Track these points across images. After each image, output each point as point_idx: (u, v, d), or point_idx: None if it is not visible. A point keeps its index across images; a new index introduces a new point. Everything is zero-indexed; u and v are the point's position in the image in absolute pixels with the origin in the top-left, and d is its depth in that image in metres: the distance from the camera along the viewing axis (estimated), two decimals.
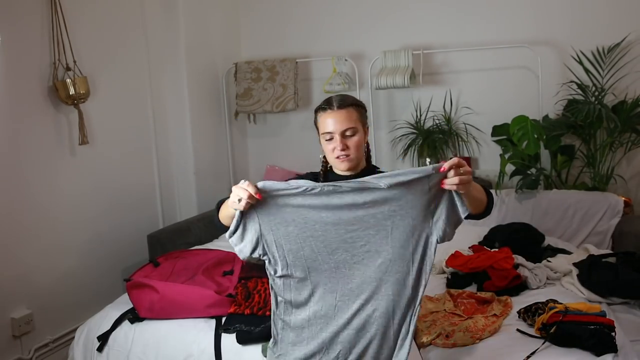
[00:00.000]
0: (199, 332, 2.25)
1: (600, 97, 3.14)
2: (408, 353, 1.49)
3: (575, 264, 2.51)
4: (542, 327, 2.01)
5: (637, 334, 2.06)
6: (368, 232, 1.47)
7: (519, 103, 3.34)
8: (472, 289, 2.53)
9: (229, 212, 1.54)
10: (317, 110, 1.69)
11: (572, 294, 2.38)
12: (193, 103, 3.65)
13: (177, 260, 2.72)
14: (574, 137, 3.30)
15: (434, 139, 3.56)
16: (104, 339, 2.35)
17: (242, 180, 1.48)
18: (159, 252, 3.01)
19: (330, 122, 1.63)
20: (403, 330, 1.50)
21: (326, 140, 1.65)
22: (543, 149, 3.24)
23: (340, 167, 1.68)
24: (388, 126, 3.80)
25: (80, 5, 2.95)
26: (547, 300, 2.20)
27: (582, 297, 2.33)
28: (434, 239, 1.47)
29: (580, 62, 3.21)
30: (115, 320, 2.38)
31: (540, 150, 3.16)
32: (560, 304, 2.08)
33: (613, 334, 1.94)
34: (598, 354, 1.86)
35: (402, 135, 3.71)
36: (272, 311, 1.57)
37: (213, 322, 2.28)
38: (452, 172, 1.40)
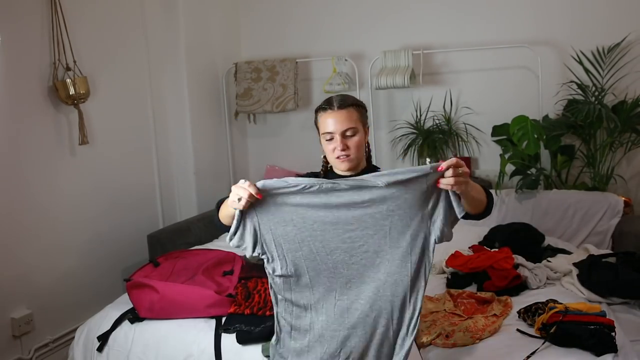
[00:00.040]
0: (199, 332, 2.25)
1: (600, 97, 3.14)
2: (408, 353, 1.49)
3: (575, 264, 2.51)
4: (542, 327, 2.01)
5: (637, 334, 2.06)
6: (366, 232, 1.47)
7: (519, 103, 3.34)
8: (472, 289, 2.53)
9: (228, 211, 1.54)
10: (317, 110, 1.69)
11: (572, 294, 2.38)
12: (193, 103, 3.65)
13: (177, 260, 2.72)
14: (574, 137, 3.30)
15: (434, 139, 3.56)
16: (104, 339, 2.35)
17: (242, 180, 1.48)
18: (159, 252, 3.01)
19: (331, 122, 1.63)
20: (403, 330, 1.50)
21: (326, 140, 1.65)
22: (543, 149, 3.24)
23: (340, 167, 1.68)
24: (388, 126, 3.80)
25: (80, 5, 2.95)
26: (547, 300, 2.20)
27: (582, 297, 2.33)
28: (432, 239, 1.47)
29: (580, 62, 3.21)
30: (115, 320, 2.38)
31: (540, 150, 3.16)
32: (560, 304, 2.08)
33: (613, 334, 1.93)
34: (598, 354, 1.86)
35: (402, 135, 3.71)
36: (273, 309, 1.58)
37: (213, 322, 2.28)
38: (449, 172, 1.40)
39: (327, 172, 1.76)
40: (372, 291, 1.49)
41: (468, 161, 3.57)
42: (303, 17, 3.94)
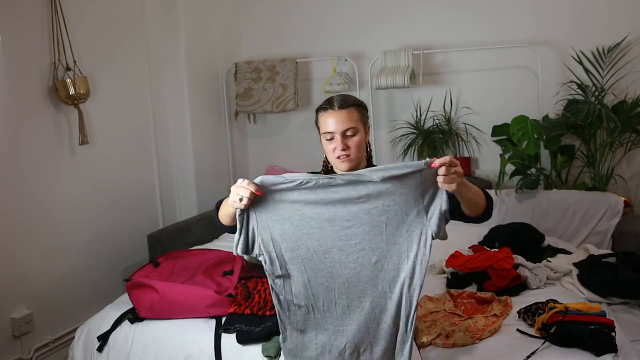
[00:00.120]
0: (199, 332, 2.25)
1: (600, 97, 3.14)
2: (410, 351, 1.50)
3: (575, 264, 2.52)
4: (542, 327, 2.01)
5: (637, 334, 2.06)
6: (363, 229, 1.47)
7: (519, 103, 3.34)
8: (472, 289, 2.53)
9: (228, 211, 1.54)
10: (318, 110, 1.68)
11: (572, 294, 2.38)
12: (193, 103, 3.65)
13: (177, 260, 2.72)
14: (574, 137, 3.30)
15: (434, 139, 3.56)
16: (104, 339, 2.35)
17: (241, 179, 1.48)
18: (159, 252, 3.01)
19: (331, 122, 1.63)
20: (401, 328, 1.50)
21: (327, 140, 1.65)
22: (543, 149, 3.24)
23: (341, 167, 1.68)
24: (388, 126, 3.80)
25: (80, 5, 2.95)
26: (547, 300, 2.20)
27: (582, 297, 2.33)
28: (428, 235, 1.46)
29: (580, 62, 3.21)
30: (115, 320, 2.38)
31: (540, 150, 3.16)
32: (560, 304, 2.08)
33: (613, 334, 1.94)
34: (598, 354, 1.86)
35: (402, 135, 3.71)
36: (273, 309, 1.58)
37: (213, 322, 2.28)
38: (442, 170, 1.39)
39: (328, 172, 1.76)
40: (370, 289, 1.49)
41: (468, 161, 3.58)
42: (303, 17, 3.94)
